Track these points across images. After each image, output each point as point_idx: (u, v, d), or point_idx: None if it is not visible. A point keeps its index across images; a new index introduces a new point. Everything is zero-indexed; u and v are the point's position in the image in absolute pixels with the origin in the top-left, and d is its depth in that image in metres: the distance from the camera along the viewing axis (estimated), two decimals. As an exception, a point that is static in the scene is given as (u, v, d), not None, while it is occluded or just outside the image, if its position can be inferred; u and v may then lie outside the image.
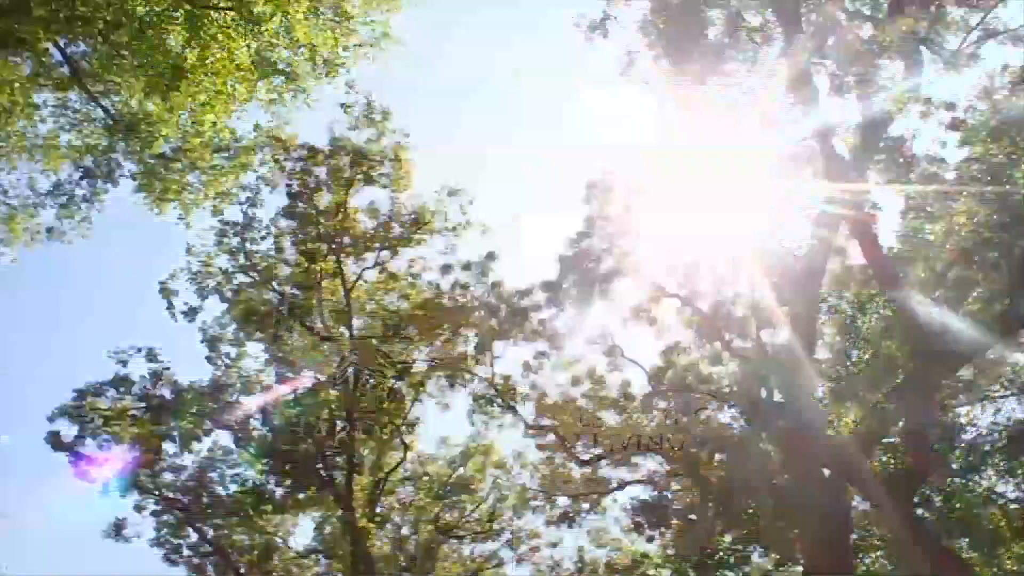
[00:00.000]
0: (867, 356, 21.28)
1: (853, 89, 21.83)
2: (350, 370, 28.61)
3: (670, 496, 25.02)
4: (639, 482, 26.90)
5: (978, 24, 22.75)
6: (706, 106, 22.78)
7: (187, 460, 29.39)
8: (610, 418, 28.11)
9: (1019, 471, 22.07)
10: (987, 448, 21.81)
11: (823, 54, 21.98)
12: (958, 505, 21.70)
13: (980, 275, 20.38)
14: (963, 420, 23.92)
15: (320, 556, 31.38)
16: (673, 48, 22.35)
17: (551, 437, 28.42)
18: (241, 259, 29.29)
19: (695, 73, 22.25)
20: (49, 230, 20.65)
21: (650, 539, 26.65)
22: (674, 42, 22.18)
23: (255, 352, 30.34)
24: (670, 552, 26.43)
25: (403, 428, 30.86)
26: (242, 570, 29.47)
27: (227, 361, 30.05)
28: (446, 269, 29.37)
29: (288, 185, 28.74)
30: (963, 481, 22.60)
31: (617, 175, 24.55)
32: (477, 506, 31.81)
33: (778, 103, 22.91)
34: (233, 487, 29.35)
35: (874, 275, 20.31)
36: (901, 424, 20.27)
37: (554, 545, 31.32)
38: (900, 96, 20.63)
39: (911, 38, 20.24)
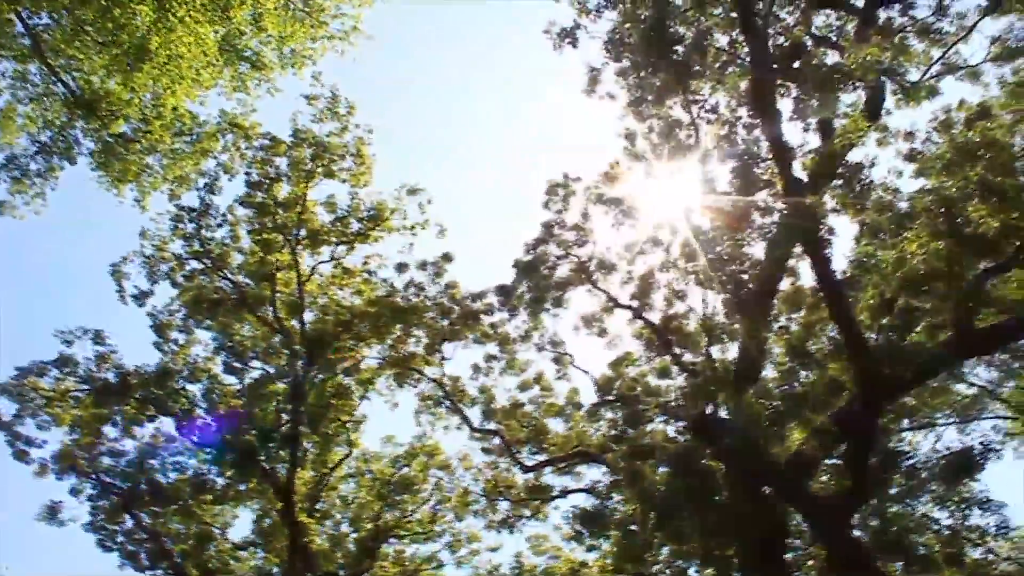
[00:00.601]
0: (814, 377, 21.49)
1: (815, 113, 22.12)
2: (299, 363, 28.46)
3: (612, 507, 25.06)
4: (582, 491, 26.97)
5: (939, 59, 23.13)
6: (669, 121, 22.95)
7: (128, 445, 29.09)
8: (556, 425, 28.23)
9: (954, 499, 22.41)
10: (925, 474, 22.13)
11: (788, 76, 22.20)
12: (894, 529, 21.98)
13: (928, 304, 20.68)
14: (904, 446, 24.29)
15: (257, 549, 31.08)
16: (639, 62, 22.46)
17: (496, 441, 28.46)
18: (195, 245, 29.07)
19: (660, 89, 22.37)
20: (0, 203, 20.29)
21: (589, 549, 26.73)
22: (641, 57, 22.29)
23: (204, 339, 30.13)
24: (609, 563, 26.50)
25: (349, 425, 30.80)
26: (177, 559, 29.11)
27: (175, 347, 29.77)
28: (401, 267, 29.40)
29: (247, 174, 28.60)
30: (900, 506, 22.91)
31: (578, 182, 24.66)
32: (419, 507, 31.74)
33: (741, 122, 23.15)
34: (173, 475, 29.06)
35: (825, 298, 20.51)
36: (844, 447, 20.47)
37: (494, 550, 31.37)
38: (860, 123, 20.88)
39: (874, 67, 20.50)
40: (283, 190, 29.11)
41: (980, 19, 22.21)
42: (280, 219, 28.94)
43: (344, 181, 29.22)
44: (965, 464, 21.32)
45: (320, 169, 28.82)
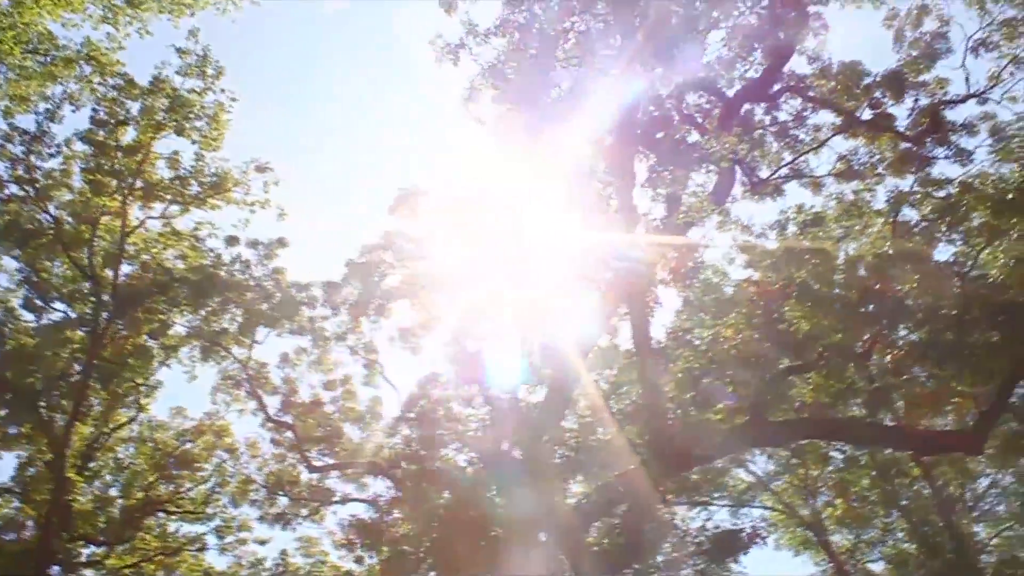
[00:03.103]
0: (610, 435, 22.03)
1: (666, 185, 22.82)
2: (104, 315, 27.29)
3: (389, 522, 24.89)
4: (363, 501, 26.73)
5: (789, 162, 24.28)
6: (531, 158, 23.19)
7: None
8: (352, 431, 27.96)
9: (714, 576, 23.35)
10: (691, 548, 22.93)
11: (650, 145, 22.81)
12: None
13: (731, 388, 21.54)
14: (678, 518, 25.18)
15: (13, 497, 29.40)
16: (515, 96, 22.67)
17: (289, 435, 27.96)
18: (20, 170, 27.48)
19: (529, 126, 22.60)
20: None
21: (358, 560, 26.45)
22: (518, 91, 22.51)
23: (9, 269, 28.54)
24: (374, 577, 26.32)
25: (142, 388, 29.70)
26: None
27: (-27, 269, 28.11)
28: (232, 241, 28.60)
29: (95, 110, 27.29)
30: (662, 574, 23.63)
31: (429, 197, 24.64)
32: (196, 485, 30.72)
33: (596, 177, 23.64)
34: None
35: (637, 361, 21.08)
36: (623, 507, 20.98)
37: (263, 543, 30.67)
38: (706, 205, 21.68)
39: (730, 156, 21.34)
40: (128, 135, 27.95)
41: (832, 136, 23.47)
42: (118, 164, 27.71)
43: (194, 142, 28.22)
44: (732, 545, 22.22)
45: (172, 123, 27.81)
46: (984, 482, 32.22)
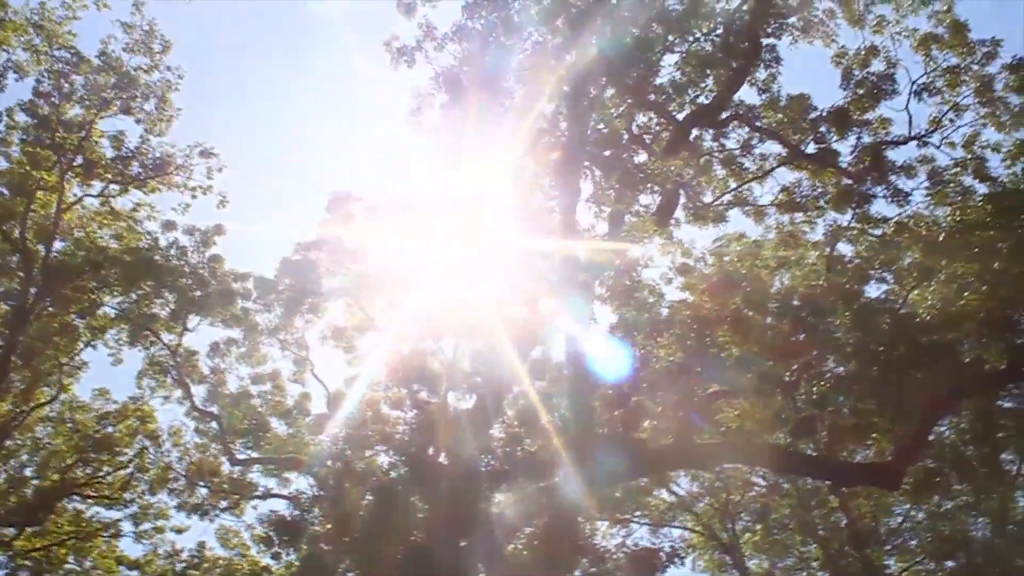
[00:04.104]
0: (537, 447, 22.01)
1: (611, 203, 22.97)
2: (32, 290, 26.72)
3: (309, 520, 24.64)
4: (284, 497, 26.47)
5: (734, 189, 24.63)
6: (477, 167, 23.18)
7: None
8: (278, 426, 27.72)
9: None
10: (609, 565, 22.97)
11: (596, 161, 22.93)
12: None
13: (659, 408, 21.68)
14: (599, 533, 25.28)
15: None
16: (465, 103, 22.64)
17: (214, 426, 27.63)
18: (-46, 134, 26.85)
19: (477, 134, 22.59)
20: None
21: (276, 556, 26.14)
22: (469, 98, 22.49)
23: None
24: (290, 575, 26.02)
25: (66, 367, 29.14)
26: None
27: None
28: (170, 226, 28.15)
29: (39, 80, 26.79)
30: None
31: (369, 199, 24.55)
32: (114, 470, 30.18)
33: (541, 189, 23.75)
34: None
35: (569, 375, 21.14)
36: (545, 519, 20.98)
37: (179, 532, 30.26)
38: (648, 225, 21.83)
39: (675, 178, 21.54)
40: (72, 111, 27.48)
41: (777, 167, 23.85)
42: (59, 138, 27.19)
43: (139, 122, 27.84)
44: (650, 564, 22.33)
45: (118, 101, 27.40)
46: (898, 517, 32.80)
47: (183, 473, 28.74)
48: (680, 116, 23.15)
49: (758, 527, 33.08)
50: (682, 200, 23.43)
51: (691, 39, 22.68)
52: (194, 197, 28.41)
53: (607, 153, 22.69)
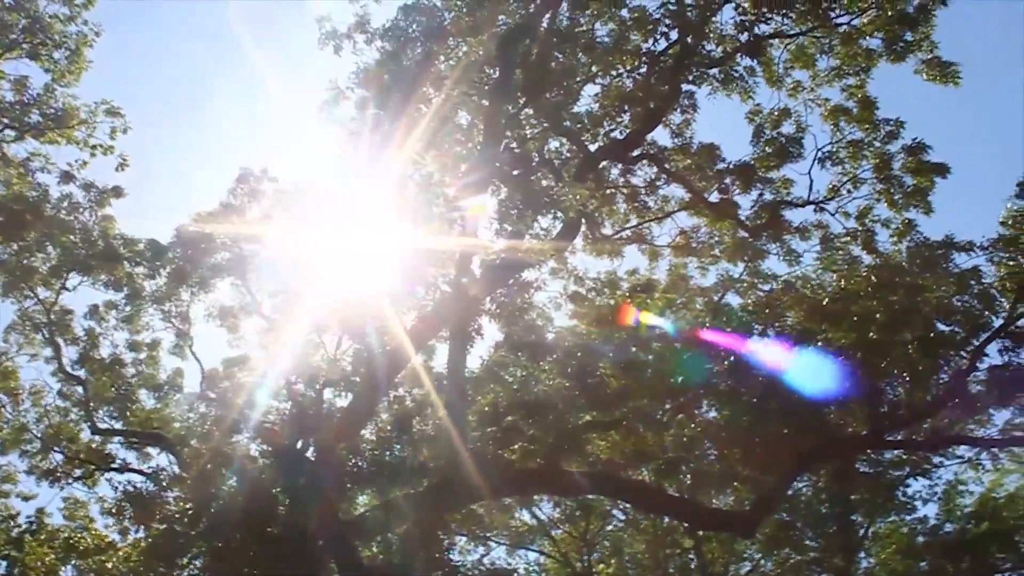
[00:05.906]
0: (406, 454, 21.93)
1: (511, 222, 23.02)
2: None
3: (165, 499, 24.00)
4: (142, 473, 25.79)
5: (634, 226, 25.01)
6: (385, 168, 23.05)
7: None
8: (147, 399, 27.02)
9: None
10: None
11: (504, 180, 22.97)
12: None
13: (532, 431, 21.83)
14: (457, 548, 25.26)
15: None
16: (382, 103, 22.51)
17: (79, 390, 26.76)
18: None
19: (390, 136, 22.44)
20: None
21: (124, 532, 25.41)
22: (387, 98, 22.37)
23: None
24: (136, 554, 25.22)
25: (-72, 315, 27.82)
26: None
27: None
28: (67, 177, 26.95)
29: (-65, 13, 25.65)
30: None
31: (273, 183, 24.23)
32: (-39, 428, 28.85)
33: (446, 199, 23.70)
34: None
35: (447, 386, 21.16)
36: (403, 527, 20.89)
37: (27, 499, 29.02)
38: (546, 248, 21.99)
39: (578, 207, 21.76)
40: (-27, 49, 26.36)
41: (678, 210, 24.40)
42: (-48, 75, 26.03)
43: (47, 71, 26.83)
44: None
45: (26, 45, 26.39)
46: (747, 564, 33.63)
47: (39, 436, 27.67)
48: (592, 147, 23.39)
49: (612, 560, 33.54)
50: (582, 229, 23.64)
51: (614, 74, 23.00)
52: (93, 155, 27.38)
53: (515, 172, 22.77)
